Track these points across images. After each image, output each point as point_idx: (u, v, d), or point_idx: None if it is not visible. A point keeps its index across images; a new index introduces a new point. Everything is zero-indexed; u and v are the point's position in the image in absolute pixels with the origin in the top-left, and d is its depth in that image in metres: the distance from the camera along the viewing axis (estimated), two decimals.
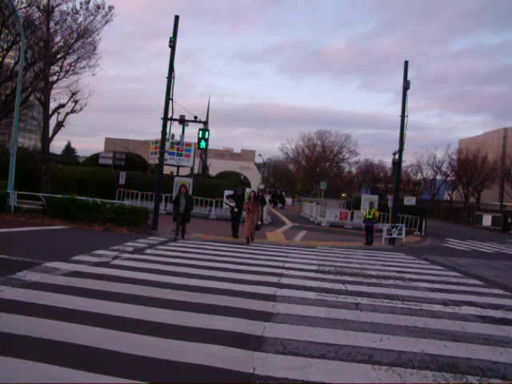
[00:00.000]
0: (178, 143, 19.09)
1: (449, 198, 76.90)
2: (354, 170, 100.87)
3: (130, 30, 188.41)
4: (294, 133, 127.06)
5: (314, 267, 11.63)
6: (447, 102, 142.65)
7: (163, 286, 7.84)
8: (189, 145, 31.09)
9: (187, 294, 7.33)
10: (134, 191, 26.77)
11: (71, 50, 25.16)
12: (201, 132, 17.88)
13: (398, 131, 20.99)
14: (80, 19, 24.60)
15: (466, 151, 65.74)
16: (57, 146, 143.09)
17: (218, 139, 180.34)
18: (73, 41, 25.16)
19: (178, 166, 32.00)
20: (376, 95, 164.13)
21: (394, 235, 20.70)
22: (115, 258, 10.62)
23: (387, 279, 10.54)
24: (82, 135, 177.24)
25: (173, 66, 17.90)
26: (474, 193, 65.99)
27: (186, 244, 14.59)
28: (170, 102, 17.90)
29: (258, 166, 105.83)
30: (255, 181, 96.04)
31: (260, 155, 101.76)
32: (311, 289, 8.60)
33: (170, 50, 17.91)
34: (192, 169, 32.12)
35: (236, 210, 17.52)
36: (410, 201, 30.50)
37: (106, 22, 25.35)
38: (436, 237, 28.45)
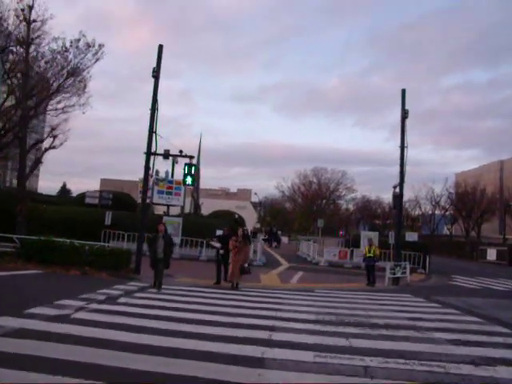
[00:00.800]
0: (163, 180, 17.68)
1: (448, 233, 75.36)
2: (351, 207, 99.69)
3: (126, 72, 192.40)
4: (291, 171, 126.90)
5: (313, 316, 10.05)
6: (440, 137, 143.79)
7: (121, 347, 6.27)
8: (178, 183, 29.68)
9: (147, 360, 5.75)
10: (120, 232, 25.23)
11: (61, 88, 24.86)
12: (187, 167, 16.57)
13: (395, 168, 19.97)
14: (70, 57, 24.35)
15: (464, 184, 64.76)
16: (52, 187, 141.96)
17: (214, 179, 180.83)
18: (63, 79, 24.95)
19: (168, 205, 30.59)
20: (371, 132, 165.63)
21: (398, 274, 19.12)
22: (79, 309, 9.07)
23: (398, 329, 8.96)
24: (78, 176, 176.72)
25: (156, 98, 16.77)
26: (474, 226, 64.53)
27: (166, 291, 13.00)
28: (154, 135, 16.69)
29: (255, 205, 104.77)
30: (251, 220, 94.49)
31: (256, 194, 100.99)
32: (309, 347, 7.01)
33: (153, 80, 16.82)
34: (183, 208, 30.70)
35: (221, 252, 15.45)
36: (412, 236, 29.07)
37: (96, 60, 25.01)
38: (441, 274, 26.75)
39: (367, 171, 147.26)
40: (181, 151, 16.64)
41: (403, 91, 20.03)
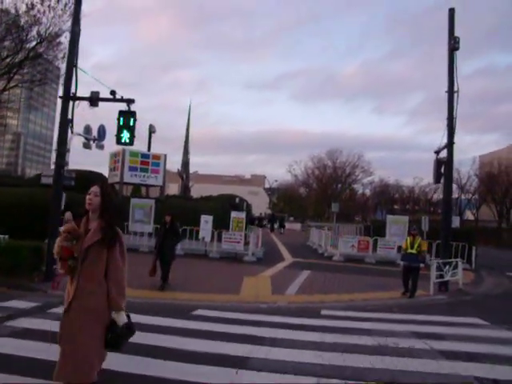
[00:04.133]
0: (95, 140, 11.79)
1: (473, 218, 68.63)
2: (368, 191, 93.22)
3: (145, 63, 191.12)
4: (307, 158, 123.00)
5: None
6: (459, 122, 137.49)
7: None
8: (157, 157, 23.95)
9: None
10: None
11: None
12: (122, 117, 10.67)
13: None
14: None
15: (497, 164, 57.79)
16: None
17: (230, 166, 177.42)
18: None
19: (142, 186, 24.83)
20: (389, 118, 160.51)
21: (448, 277, 13.10)
22: None
23: None
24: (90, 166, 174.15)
25: (79, 11, 10.91)
26: (509, 210, 57.76)
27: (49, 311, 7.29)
28: (74, 71, 10.83)
29: (268, 191, 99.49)
30: (263, 206, 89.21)
31: (265, 177, 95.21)
32: None
33: None
34: (162, 188, 24.85)
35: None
36: (457, 222, 22.83)
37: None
38: (490, 269, 20.58)
39: (384, 157, 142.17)
40: (113, 92, 10.69)
41: (451, 12, 13.82)
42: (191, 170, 35.47)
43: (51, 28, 27.49)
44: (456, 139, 14.14)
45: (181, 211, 22.00)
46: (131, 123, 10.72)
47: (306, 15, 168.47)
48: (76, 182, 24.10)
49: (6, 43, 30.26)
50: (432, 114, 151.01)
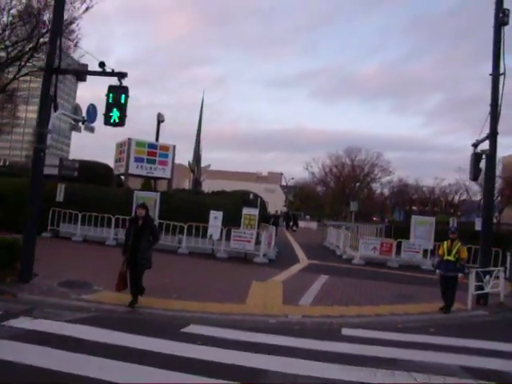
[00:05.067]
0: (84, 121, 10.21)
1: (495, 221, 65.83)
2: (386, 191, 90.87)
3: (164, 60, 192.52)
4: (325, 156, 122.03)
5: None
6: (478, 123, 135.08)
7: None
8: (165, 148, 22.42)
9: None
10: (73, 212, 18.15)
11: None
12: (111, 94, 9.08)
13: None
14: None
15: None
16: None
17: (248, 163, 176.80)
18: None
19: (149, 178, 23.34)
20: (407, 118, 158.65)
21: (488, 288, 11.27)
22: None
23: None
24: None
25: None
26: None
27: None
28: (58, 41, 9.28)
29: (285, 188, 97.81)
30: (280, 204, 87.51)
31: (282, 174, 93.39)
32: None
33: None
34: (170, 181, 23.30)
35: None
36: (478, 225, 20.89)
37: (86, 9, 26.72)
38: None
39: (402, 157, 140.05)
40: (102, 64, 9.10)
41: None
42: (205, 164, 33.81)
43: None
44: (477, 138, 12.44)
45: (188, 206, 20.54)
46: (122, 100, 9.12)
47: (325, 14, 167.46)
48: (81, 173, 22.94)
49: (17, 30, 29.25)
50: (451, 115, 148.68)
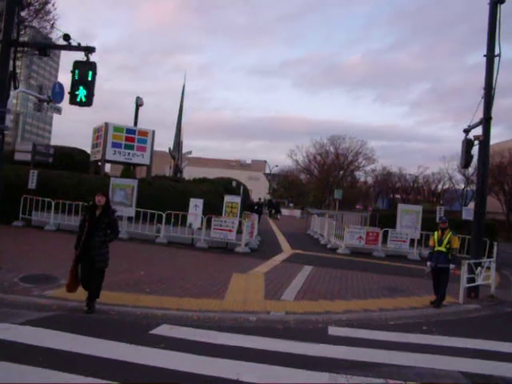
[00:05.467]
0: (49, 101, 9.33)
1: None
2: (370, 179, 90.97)
3: (148, 47, 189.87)
4: (309, 143, 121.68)
5: None
6: (462, 113, 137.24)
7: None
8: (144, 133, 21.49)
9: None
10: (46, 200, 17.23)
11: None
12: (77, 70, 8.22)
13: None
14: None
15: (508, 154, 55.11)
16: None
17: (232, 151, 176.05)
18: None
19: (129, 164, 22.42)
20: (391, 108, 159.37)
21: (480, 280, 10.78)
22: None
23: None
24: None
25: None
26: None
27: None
28: (16, 10, 8.37)
29: (269, 176, 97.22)
30: (263, 191, 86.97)
31: (266, 162, 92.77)
32: None
33: None
34: (149, 168, 22.41)
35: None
36: (469, 213, 20.53)
37: None
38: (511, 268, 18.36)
39: (385, 145, 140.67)
40: (67, 37, 8.21)
41: None
42: (187, 150, 32.97)
43: None
44: (462, 128, 11.99)
45: (168, 194, 19.74)
46: (89, 77, 8.26)
47: (310, 3, 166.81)
48: (57, 159, 21.90)
49: None
50: (434, 105, 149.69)
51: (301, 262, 13.99)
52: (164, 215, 16.18)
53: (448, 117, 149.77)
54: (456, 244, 9.84)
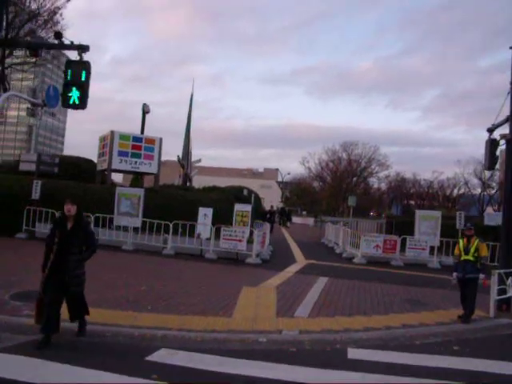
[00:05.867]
0: (44, 105, 8.74)
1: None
2: (383, 185, 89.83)
3: (159, 58, 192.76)
4: (321, 150, 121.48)
5: None
6: (474, 118, 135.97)
7: None
8: (151, 141, 20.93)
9: None
10: (50, 211, 16.67)
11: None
12: (70, 70, 7.62)
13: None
14: None
15: None
16: None
17: (244, 160, 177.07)
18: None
19: (135, 173, 21.86)
20: (403, 113, 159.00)
21: (511, 292, 9.88)
22: None
23: None
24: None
25: None
26: None
27: None
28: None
29: (281, 184, 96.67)
30: (276, 199, 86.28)
31: (278, 170, 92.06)
32: None
33: None
34: (157, 177, 21.82)
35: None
36: (493, 218, 19.62)
37: None
38: None
39: (397, 151, 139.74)
40: (59, 35, 7.62)
41: None
42: (196, 159, 32.38)
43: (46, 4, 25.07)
44: (476, 133, 11.19)
45: (177, 203, 19.12)
46: (83, 78, 7.66)
47: (320, 11, 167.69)
48: (62, 169, 21.40)
49: None
50: (446, 109, 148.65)
51: (315, 273, 13.20)
52: (171, 225, 15.50)
53: (461, 121, 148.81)
54: (485, 252, 8.99)
